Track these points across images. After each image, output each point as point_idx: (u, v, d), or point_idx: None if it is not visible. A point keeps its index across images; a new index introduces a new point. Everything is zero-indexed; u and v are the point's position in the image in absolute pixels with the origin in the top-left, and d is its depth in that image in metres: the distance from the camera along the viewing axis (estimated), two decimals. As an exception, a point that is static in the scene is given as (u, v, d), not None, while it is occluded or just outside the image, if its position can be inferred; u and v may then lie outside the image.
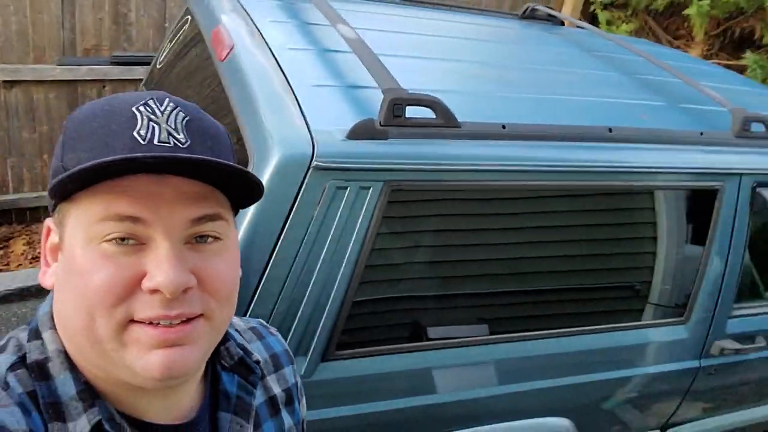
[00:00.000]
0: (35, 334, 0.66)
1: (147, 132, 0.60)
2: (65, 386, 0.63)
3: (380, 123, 1.39)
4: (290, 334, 1.41)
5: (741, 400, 2.23)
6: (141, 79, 3.35)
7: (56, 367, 0.64)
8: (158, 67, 2.28)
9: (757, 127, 1.86)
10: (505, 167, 1.49)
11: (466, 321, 1.61)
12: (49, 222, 0.67)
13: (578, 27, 2.80)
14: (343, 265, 1.40)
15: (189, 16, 2.18)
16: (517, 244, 1.61)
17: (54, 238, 0.66)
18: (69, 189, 0.59)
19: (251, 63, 1.63)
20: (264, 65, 1.62)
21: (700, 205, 1.81)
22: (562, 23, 2.86)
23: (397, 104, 1.39)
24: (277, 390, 0.84)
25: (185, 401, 0.70)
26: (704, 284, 1.85)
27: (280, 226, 1.34)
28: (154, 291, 0.59)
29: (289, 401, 0.86)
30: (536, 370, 1.73)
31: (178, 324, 0.60)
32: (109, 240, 0.59)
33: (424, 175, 1.42)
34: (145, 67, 2.76)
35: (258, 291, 1.35)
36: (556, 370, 1.76)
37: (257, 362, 0.79)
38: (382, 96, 1.41)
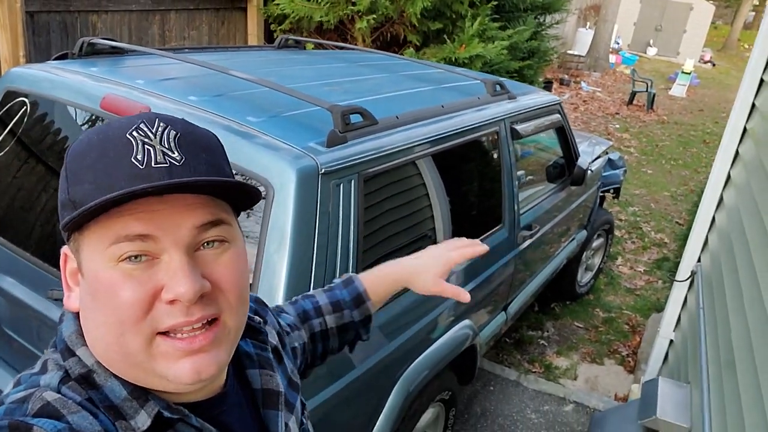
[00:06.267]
0: (69, 353, 0.68)
1: (143, 156, 0.62)
2: (114, 391, 0.67)
3: (339, 131, 1.80)
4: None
5: (534, 270, 3.24)
6: None
7: (101, 377, 0.67)
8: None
9: (498, 89, 2.79)
10: (409, 144, 2.05)
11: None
12: (65, 249, 0.70)
13: (327, 48, 3.42)
14: (350, 242, 1.78)
15: (23, 98, 2.10)
16: (435, 196, 2.19)
17: (72, 264, 0.69)
18: (80, 222, 0.63)
19: (186, 116, 1.82)
20: (197, 114, 1.84)
21: (489, 146, 2.65)
22: (304, 47, 3.46)
23: (344, 114, 1.82)
24: (274, 340, 0.92)
25: (220, 379, 0.76)
26: (506, 193, 2.71)
27: (314, 224, 1.66)
28: (173, 301, 0.63)
29: (283, 344, 0.96)
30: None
31: (201, 332, 0.65)
32: (124, 259, 0.62)
33: (375, 162, 1.89)
34: None
35: (312, 278, 1.66)
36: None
37: (260, 323, 0.88)
38: (330, 112, 1.82)
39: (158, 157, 0.63)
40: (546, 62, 6.76)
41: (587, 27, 17.41)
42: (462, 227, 2.43)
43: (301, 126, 1.87)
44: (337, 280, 1.19)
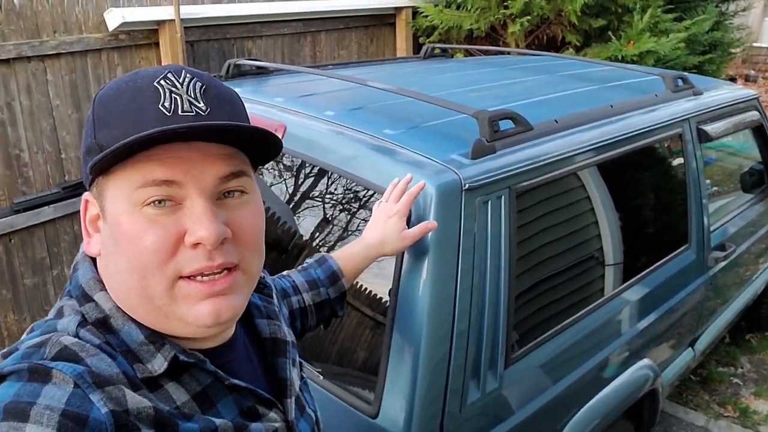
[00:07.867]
0: (85, 298, 0.69)
1: (171, 104, 0.64)
2: (131, 335, 0.68)
3: (487, 140, 1.56)
4: (483, 347, 1.49)
5: (728, 298, 2.72)
6: (54, 219, 3.05)
7: (118, 321, 0.68)
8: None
9: (680, 83, 2.36)
10: (571, 152, 1.74)
11: (592, 288, 1.81)
12: (87, 195, 0.71)
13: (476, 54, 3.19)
14: (501, 266, 1.52)
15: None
16: (603, 212, 1.86)
17: (93, 209, 0.70)
18: (108, 164, 0.63)
19: (320, 132, 1.70)
20: (332, 129, 1.70)
21: (671, 151, 2.24)
22: (452, 56, 3.26)
23: (492, 121, 1.58)
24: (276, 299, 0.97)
25: (231, 328, 0.78)
26: (693, 207, 2.27)
27: (457, 244, 1.43)
28: (196, 245, 0.64)
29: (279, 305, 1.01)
30: (625, 319, 1.99)
31: (221, 276, 0.66)
32: (149, 204, 0.64)
33: (530, 174, 1.62)
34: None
35: (455, 308, 1.42)
36: (635, 317, 2.03)
37: (264, 278, 0.93)
38: (475, 119, 1.59)
39: (185, 106, 0.65)
40: (730, 55, 5.94)
41: (777, 15, 15.37)
42: (637, 248, 2.05)
43: (442, 136, 1.66)
44: (309, 260, 1.25)
